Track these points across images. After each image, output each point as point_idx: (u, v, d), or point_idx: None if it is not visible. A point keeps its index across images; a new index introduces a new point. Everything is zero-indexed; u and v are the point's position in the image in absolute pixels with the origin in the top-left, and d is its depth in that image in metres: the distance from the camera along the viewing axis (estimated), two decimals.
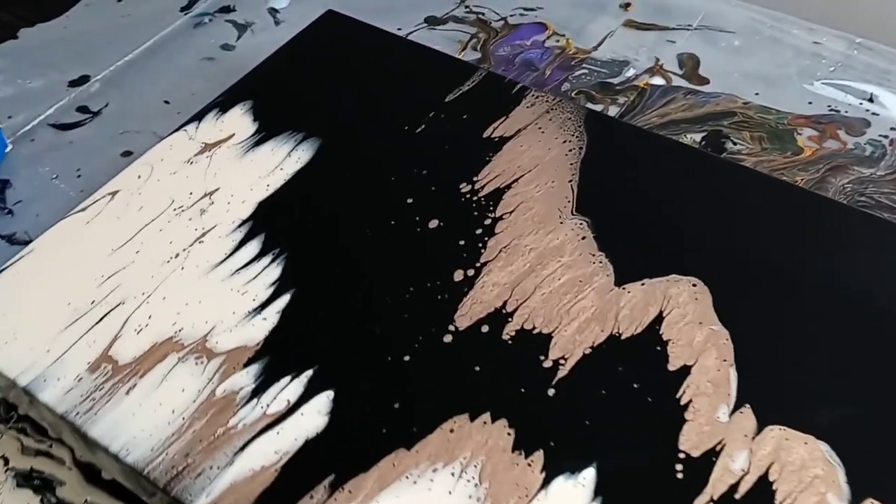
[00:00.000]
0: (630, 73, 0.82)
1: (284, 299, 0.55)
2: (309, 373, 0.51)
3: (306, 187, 0.61)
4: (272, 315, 0.54)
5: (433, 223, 0.58)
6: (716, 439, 0.47)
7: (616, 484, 0.45)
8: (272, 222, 0.59)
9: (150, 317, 0.54)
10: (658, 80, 0.80)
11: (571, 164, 0.61)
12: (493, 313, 0.53)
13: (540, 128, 0.64)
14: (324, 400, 0.50)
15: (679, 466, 0.46)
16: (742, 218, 0.57)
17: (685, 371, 0.50)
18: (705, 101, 0.79)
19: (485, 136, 0.64)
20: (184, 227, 0.59)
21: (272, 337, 0.53)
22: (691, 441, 0.47)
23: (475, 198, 0.59)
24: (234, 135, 0.65)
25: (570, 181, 0.60)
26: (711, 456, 0.46)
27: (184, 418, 0.49)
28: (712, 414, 0.48)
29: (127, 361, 0.52)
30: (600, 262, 0.55)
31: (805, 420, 0.47)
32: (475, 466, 0.46)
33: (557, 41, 0.86)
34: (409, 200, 0.60)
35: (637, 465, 0.46)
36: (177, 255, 0.58)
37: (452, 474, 0.46)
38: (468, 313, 0.53)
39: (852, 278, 0.54)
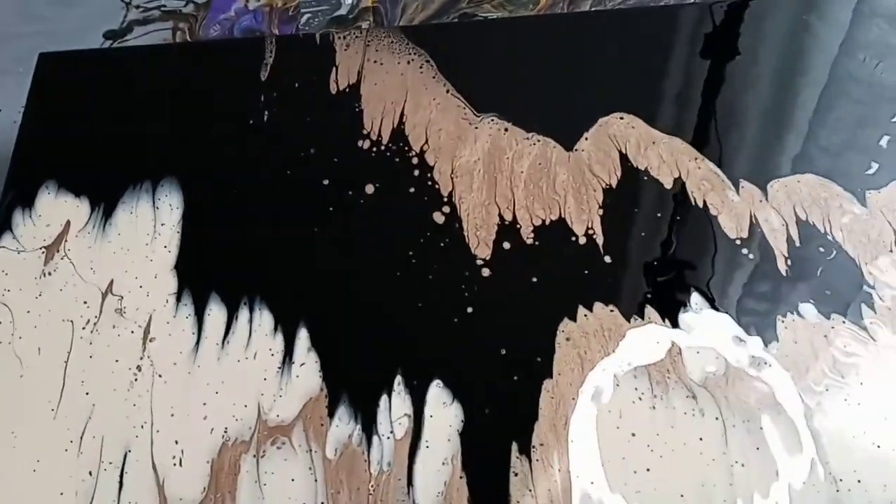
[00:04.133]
0: None
1: (304, 335, 0.47)
2: (399, 379, 0.45)
3: (207, 225, 0.52)
4: (306, 356, 0.46)
5: (369, 188, 0.53)
6: (747, 215, 0.52)
7: (718, 291, 0.48)
8: (211, 277, 0.49)
9: (176, 442, 0.43)
10: None
11: (433, 77, 0.60)
12: (500, 229, 0.51)
13: (375, 61, 0.61)
14: (437, 391, 0.45)
15: (744, 250, 0.50)
16: (601, 53, 0.62)
17: (679, 183, 0.53)
18: None
19: (333, 92, 0.59)
20: (115, 338, 0.47)
21: (327, 374, 0.46)
22: (733, 227, 0.51)
23: (383, 147, 0.56)
24: (69, 221, 0.52)
25: (448, 91, 0.59)
26: (756, 227, 0.51)
27: (324, 503, 0.41)
28: (727, 200, 0.52)
29: (199, 497, 0.41)
30: (539, 140, 0.56)
31: (784, 165, 0.54)
32: (613, 352, 0.46)
33: (259, 0, 0.80)
34: (325, 182, 0.54)
35: (721, 268, 0.49)
36: (139, 368, 0.46)
37: (604, 370, 0.45)
38: (482, 241, 0.51)
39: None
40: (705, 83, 0.59)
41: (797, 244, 0.50)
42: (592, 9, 0.77)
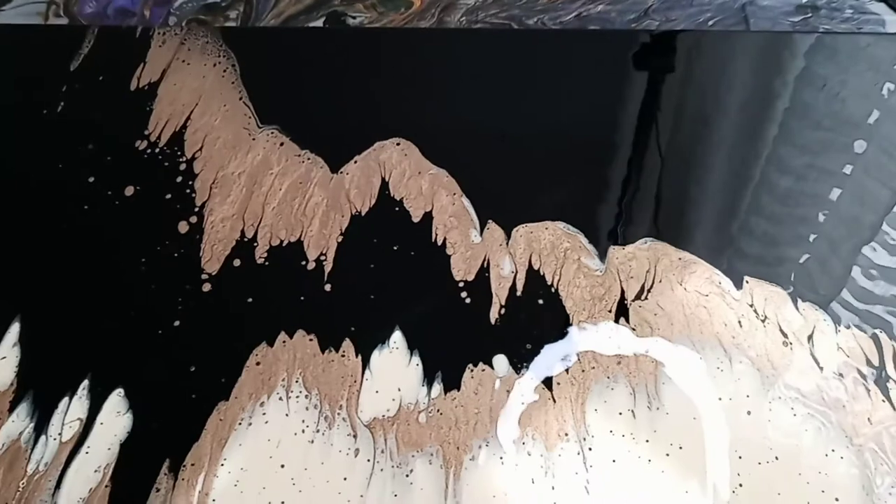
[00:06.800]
0: None
1: (15, 330, 0.49)
2: (85, 383, 0.47)
3: None
4: (10, 350, 0.48)
5: (129, 190, 0.55)
6: (480, 258, 0.52)
7: (421, 332, 0.49)
8: None
9: None
10: None
11: (233, 83, 0.61)
12: (237, 246, 0.53)
13: (183, 61, 0.62)
14: (116, 400, 0.47)
15: (464, 294, 0.50)
16: (406, 74, 0.62)
17: (428, 217, 0.54)
18: None
19: (132, 88, 0.60)
20: None
21: (23, 371, 0.48)
22: (461, 269, 0.51)
23: (157, 150, 0.57)
24: None
25: (241, 98, 0.60)
26: (483, 273, 0.51)
27: None
28: (467, 240, 0.52)
29: None
30: (309, 159, 0.56)
31: (537, 212, 0.54)
32: (297, 381, 0.47)
33: None
34: (91, 179, 0.55)
35: (432, 310, 0.50)
36: None
37: (280, 399, 0.46)
38: (213, 257, 0.52)
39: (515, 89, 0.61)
40: (495, 116, 0.59)
41: (518, 293, 0.50)
42: (462, 19, 0.77)
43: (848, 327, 0.49)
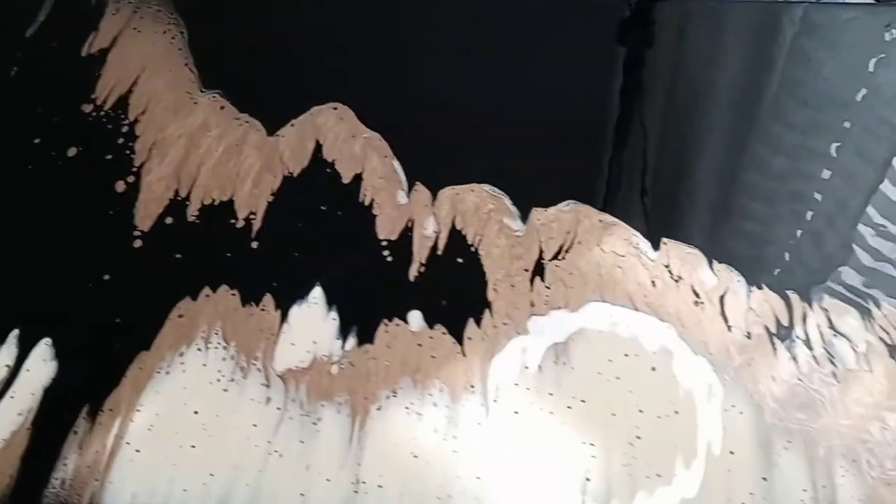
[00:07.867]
0: None
1: None
2: (15, 332, 0.49)
3: None
4: None
5: (71, 151, 0.57)
6: (404, 219, 0.53)
7: (342, 290, 0.50)
8: None
9: None
10: None
11: (180, 49, 0.62)
12: (170, 204, 0.54)
13: (135, 28, 0.63)
14: (43, 348, 0.49)
15: (386, 252, 0.52)
16: (342, 40, 0.63)
17: (358, 178, 0.55)
18: None
19: (83, 55, 0.62)
20: None
21: None
22: (386, 228, 0.53)
23: (102, 113, 0.59)
24: None
25: (187, 64, 0.61)
26: (407, 232, 0.52)
27: None
28: (394, 201, 0.54)
29: None
30: (247, 122, 0.58)
31: (462, 174, 0.55)
32: (216, 333, 0.49)
33: None
34: (37, 140, 0.57)
35: (352, 269, 0.51)
36: None
37: (199, 349, 0.48)
38: (146, 214, 0.54)
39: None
40: (441, 83, 0.60)
41: (439, 252, 0.52)
42: None
43: (760, 288, 0.50)
